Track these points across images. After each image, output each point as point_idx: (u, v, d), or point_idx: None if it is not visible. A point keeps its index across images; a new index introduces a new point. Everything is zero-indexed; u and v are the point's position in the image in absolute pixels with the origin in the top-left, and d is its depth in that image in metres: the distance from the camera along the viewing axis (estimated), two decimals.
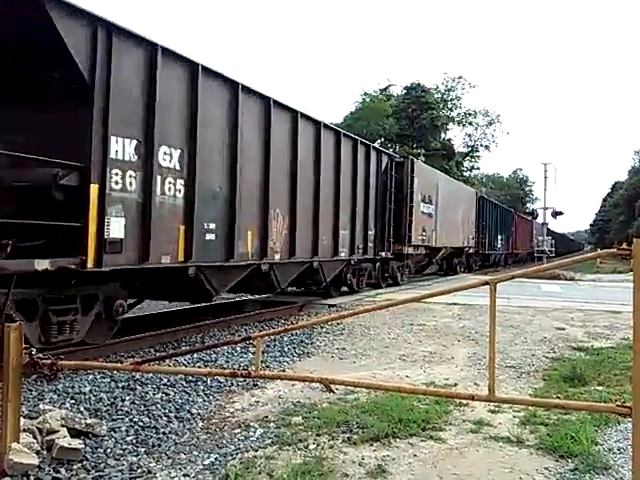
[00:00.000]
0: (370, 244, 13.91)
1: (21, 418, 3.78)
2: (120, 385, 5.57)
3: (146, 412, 4.96)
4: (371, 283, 15.07)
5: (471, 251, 26.01)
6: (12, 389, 3.60)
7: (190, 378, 5.87)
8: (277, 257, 9.67)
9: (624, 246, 3.26)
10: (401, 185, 16.24)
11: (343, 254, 12.31)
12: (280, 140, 9.71)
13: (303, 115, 10.48)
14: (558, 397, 5.40)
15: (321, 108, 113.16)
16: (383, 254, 14.85)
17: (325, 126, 11.37)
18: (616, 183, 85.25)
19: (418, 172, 17.40)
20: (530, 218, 48.27)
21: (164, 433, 4.55)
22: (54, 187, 5.84)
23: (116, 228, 6.28)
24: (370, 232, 13.88)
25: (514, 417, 4.87)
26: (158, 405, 5.15)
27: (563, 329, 9.73)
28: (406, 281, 17.55)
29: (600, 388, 5.81)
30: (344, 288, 13.70)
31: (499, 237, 31.86)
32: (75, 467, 3.81)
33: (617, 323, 10.39)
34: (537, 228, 47.80)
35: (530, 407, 4.90)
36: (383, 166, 14.85)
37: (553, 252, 40.31)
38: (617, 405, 2.95)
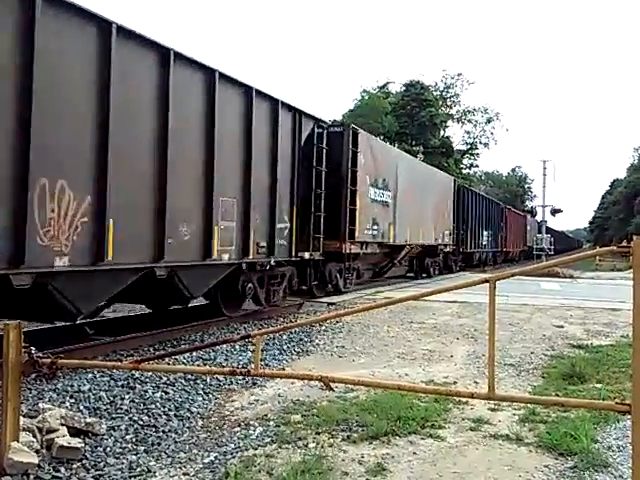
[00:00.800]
0: (282, 241, 9.89)
1: (21, 417, 3.78)
2: (119, 384, 5.57)
3: (145, 411, 4.96)
4: (301, 291, 11.81)
5: (448, 249, 22.05)
6: (11, 388, 3.59)
7: (189, 377, 5.87)
8: (61, 262, 5.88)
9: (624, 244, 3.26)
10: (338, 163, 12.17)
11: (226, 256, 8.45)
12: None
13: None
14: (557, 395, 5.41)
15: (320, 106, 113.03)
16: (307, 255, 10.80)
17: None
18: (615, 180, 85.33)
19: (365, 147, 13.21)
20: (524, 214, 44.79)
21: (164, 432, 4.56)
22: None
23: None
24: (281, 225, 9.88)
25: (513, 415, 4.88)
26: (157, 404, 5.15)
27: (562, 327, 9.74)
28: (351, 288, 13.74)
29: (599, 386, 5.81)
30: (250, 304, 10.10)
31: (485, 233, 28.38)
32: (75, 466, 3.81)
33: (616, 321, 10.41)
34: (532, 224, 45.49)
35: (529, 405, 4.91)
36: (305, 134, 10.76)
37: (552, 250, 40.34)
38: (616, 403, 2.95)
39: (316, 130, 11.14)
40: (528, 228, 43.02)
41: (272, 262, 9.73)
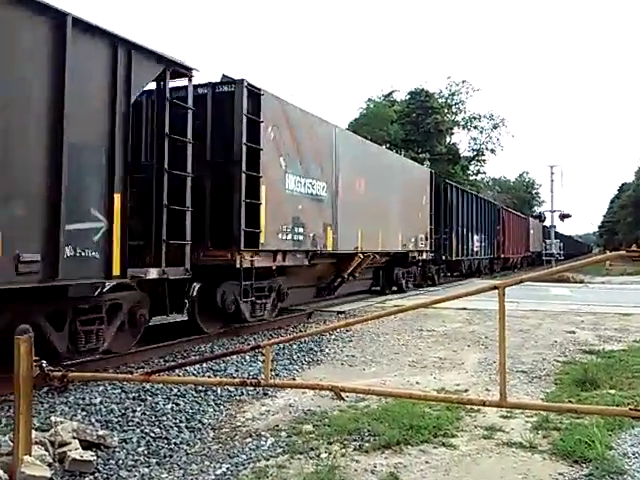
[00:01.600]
0: (84, 251, 5.86)
1: (33, 431, 3.79)
2: (131, 396, 5.58)
3: (157, 423, 4.96)
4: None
5: (425, 257, 17.65)
6: (23, 402, 3.61)
7: (200, 388, 5.87)
8: None
9: (633, 248, 3.24)
10: (227, 136, 8.50)
11: None
12: None
13: None
14: (570, 401, 5.36)
15: (326, 115, 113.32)
16: (153, 272, 6.83)
17: None
18: (623, 184, 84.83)
19: (276, 117, 9.33)
20: (525, 216, 40.42)
21: (175, 443, 4.55)
22: None
23: None
24: (81, 226, 5.85)
25: (526, 422, 4.84)
26: (169, 415, 5.15)
27: (573, 332, 9.67)
28: (267, 316, 9.72)
29: (612, 391, 5.76)
30: None
31: (476, 238, 24.20)
32: (87, 479, 3.81)
33: (628, 325, 10.33)
34: (536, 228, 41.72)
35: (542, 412, 4.86)
36: (142, 83, 6.72)
37: (562, 255, 40.11)
38: (630, 409, 2.92)
39: (162, 77, 6.98)
40: (531, 232, 39.39)
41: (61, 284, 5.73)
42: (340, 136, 11.82)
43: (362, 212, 12.55)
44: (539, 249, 42.66)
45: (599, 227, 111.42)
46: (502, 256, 29.91)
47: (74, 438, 4.08)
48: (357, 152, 12.71)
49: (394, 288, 16.60)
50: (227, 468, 4.02)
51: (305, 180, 10.32)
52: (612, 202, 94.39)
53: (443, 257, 20.17)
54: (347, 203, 11.83)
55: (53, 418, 4.49)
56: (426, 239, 17.37)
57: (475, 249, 24.18)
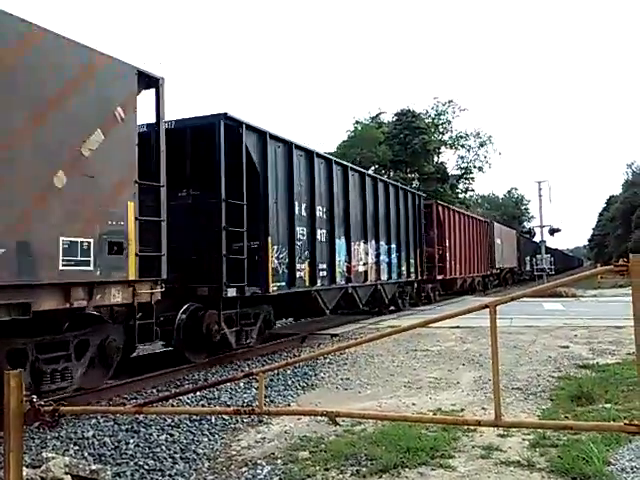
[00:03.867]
0: None
1: (24, 467, 3.72)
2: (124, 428, 5.50)
3: (151, 454, 4.89)
4: None
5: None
6: (14, 438, 3.54)
7: (194, 417, 5.80)
8: None
9: (621, 262, 3.26)
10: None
11: None
12: None
13: None
14: (566, 417, 5.35)
15: (314, 138, 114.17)
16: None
17: None
18: (611, 197, 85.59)
19: None
20: (488, 220, 31.50)
21: (170, 475, 4.49)
22: None
23: None
24: None
25: (524, 440, 4.81)
26: (163, 447, 5.08)
27: (567, 347, 9.68)
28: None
29: (608, 406, 5.75)
30: None
31: (370, 251, 14.38)
32: None
33: (621, 338, 10.34)
34: (505, 236, 33.86)
35: (539, 429, 4.84)
36: None
37: (553, 270, 40.24)
38: (625, 423, 2.91)
39: None
40: (497, 242, 30.30)
41: None
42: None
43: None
44: (514, 264, 36.98)
45: (589, 240, 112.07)
46: (439, 277, 20.60)
47: (66, 474, 4.01)
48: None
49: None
50: None
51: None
52: (601, 215, 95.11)
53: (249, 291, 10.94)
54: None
55: (44, 454, 4.42)
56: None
57: (359, 269, 13.65)
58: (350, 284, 13.08)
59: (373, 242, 14.70)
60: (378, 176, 17.19)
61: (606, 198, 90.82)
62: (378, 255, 14.96)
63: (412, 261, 17.83)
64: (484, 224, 28.88)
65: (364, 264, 14.01)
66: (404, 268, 17.05)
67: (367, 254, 14.23)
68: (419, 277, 18.51)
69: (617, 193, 78.03)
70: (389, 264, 15.80)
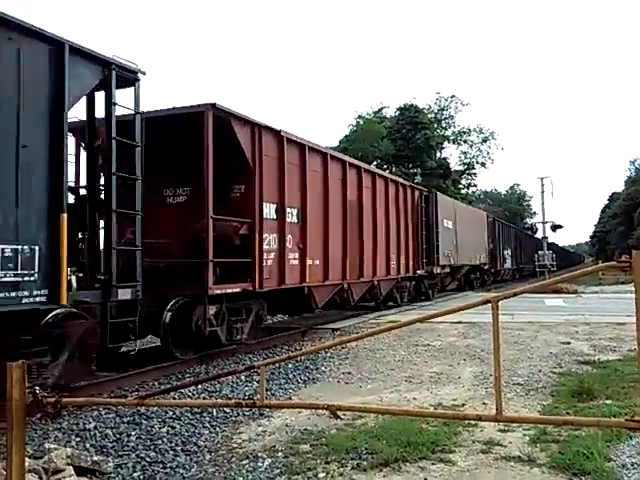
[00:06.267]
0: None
1: (26, 458, 3.74)
2: (125, 420, 5.53)
3: (152, 447, 4.91)
4: None
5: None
6: (16, 429, 3.56)
7: (195, 410, 5.82)
8: None
9: (623, 258, 3.26)
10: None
11: None
12: None
13: None
14: (567, 413, 5.35)
15: (316, 133, 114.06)
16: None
17: None
18: (613, 194, 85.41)
19: None
20: (409, 183, 18.40)
21: (171, 467, 4.50)
22: None
23: None
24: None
25: (524, 435, 4.82)
26: (164, 439, 5.10)
27: (569, 343, 9.68)
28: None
29: (609, 402, 5.75)
30: None
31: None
32: None
33: (623, 335, 10.34)
34: (460, 216, 21.91)
35: (540, 425, 4.85)
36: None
37: (554, 266, 40.20)
38: (626, 419, 2.92)
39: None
40: (447, 225, 20.03)
41: None
42: None
43: None
44: (482, 261, 25.62)
45: (591, 237, 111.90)
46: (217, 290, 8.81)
47: (68, 465, 4.04)
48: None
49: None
50: None
51: None
52: (603, 212, 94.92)
53: None
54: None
55: (47, 445, 4.44)
56: None
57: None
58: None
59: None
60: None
61: (608, 195, 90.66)
62: None
63: None
64: (408, 191, 17.04)
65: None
66: None
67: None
68: None
69: (620, 190, 77.87)
70: None
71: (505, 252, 32.81)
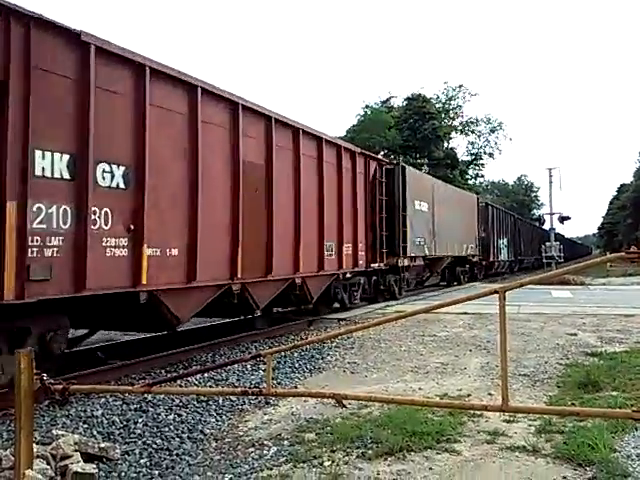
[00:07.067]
0: None
1: (34, 444, 3.78)
2: (132, 407, 5.57)
3: (159, 434, 4.95)
4: None
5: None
6: (24, 416, 3.59)
7: (202, 398, 5.85)
8: None
9: (632, 249, 3.24)
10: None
11: None
12: None
13: None
14: (573, 404, 5.35)
15: (323, 122, 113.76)
16: None
17: None
18: (622, 185, 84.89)
19: None
20: (351, 147, 13.68)
21: (177, 454, 4.54)
22: None
23: None
24: None
25: (529, 426, 4.82)
26: (171, 426, 5.13)
27: (575, 335, 9.65)
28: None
29: (615, 393, 5.74)
30: None
31: None
32: None
33: (630, 326, 10.31)
34: (440, 197, 18.63)
35: (545, 415, 4.85)
36: None
37: (562, 257, 40.02)
38: (633, 410, 2.92)
39: None
40: (421, 208, 16.94)
41: None
42: None
43: None
44: (471, 252, 22.76)
45: (599, 229, 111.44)
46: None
47: (76, 451, 4.07)
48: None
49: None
50: (230, 478, 4.00)
51: None
52: (611, 203, 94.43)
53: None
54: None
55: (54, 431, 4.48)
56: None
57: None
58: None
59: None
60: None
61: (617, 186, 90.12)
62: None
63: None
64: (359, 160, 13.38)
65: None
66: None
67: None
68: None
69: (628, 181, 77.36)
70: None
71: (500, 242, 29.28)
